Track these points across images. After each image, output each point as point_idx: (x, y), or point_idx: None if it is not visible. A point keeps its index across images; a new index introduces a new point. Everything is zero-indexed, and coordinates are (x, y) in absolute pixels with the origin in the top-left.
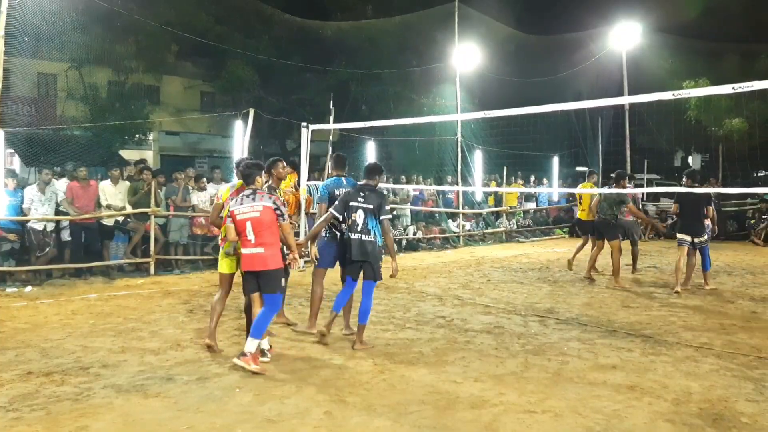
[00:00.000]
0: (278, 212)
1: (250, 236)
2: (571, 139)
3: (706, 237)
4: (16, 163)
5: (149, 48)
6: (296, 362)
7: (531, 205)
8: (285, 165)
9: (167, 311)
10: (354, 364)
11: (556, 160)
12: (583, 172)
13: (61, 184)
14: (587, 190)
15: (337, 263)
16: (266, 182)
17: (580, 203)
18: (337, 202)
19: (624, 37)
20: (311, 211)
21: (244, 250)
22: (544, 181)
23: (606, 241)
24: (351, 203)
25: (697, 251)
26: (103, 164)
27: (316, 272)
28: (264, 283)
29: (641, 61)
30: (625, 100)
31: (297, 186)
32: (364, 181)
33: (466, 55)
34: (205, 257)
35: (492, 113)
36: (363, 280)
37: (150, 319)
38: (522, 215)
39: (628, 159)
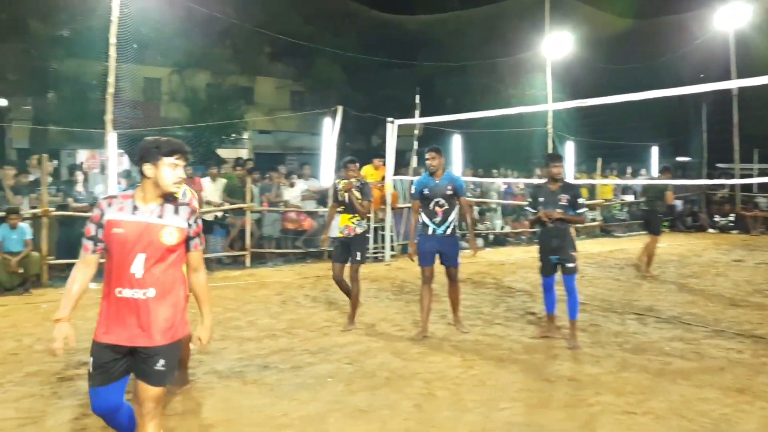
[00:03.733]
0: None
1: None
2: (672, 127)
3: None
4: (126, 163)
5: (244, 50)
6: (384, 354)
7: (629, 198)
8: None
9: (263, 302)
10: (442, 359)
11: (655, 150)
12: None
13: None
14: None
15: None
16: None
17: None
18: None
19: (731, 16)
20: (398, 205)
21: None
22: (642, 172)
23: None
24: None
25: None
26: (203, 163)
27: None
28: None
29: (752, 41)
30: (733, 84)
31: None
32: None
33: (558, 43)
34: (296, 251)
35: (586, 102)
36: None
37: (247, 309)
38: (619, 208)
39: (737, 148)
